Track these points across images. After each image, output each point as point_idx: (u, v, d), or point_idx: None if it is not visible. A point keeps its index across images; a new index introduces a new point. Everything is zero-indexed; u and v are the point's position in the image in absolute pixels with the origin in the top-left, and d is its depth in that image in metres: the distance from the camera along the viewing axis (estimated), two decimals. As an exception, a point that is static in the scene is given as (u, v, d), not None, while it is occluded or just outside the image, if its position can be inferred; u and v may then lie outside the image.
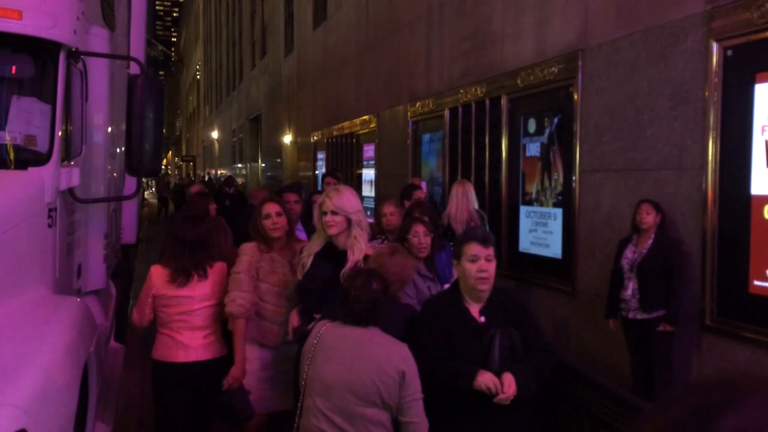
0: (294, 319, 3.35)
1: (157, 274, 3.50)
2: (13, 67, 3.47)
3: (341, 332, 2.59)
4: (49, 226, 3.22)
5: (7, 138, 3.26)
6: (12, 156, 3.24)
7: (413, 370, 2.49)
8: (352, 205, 3.32)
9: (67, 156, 3.47)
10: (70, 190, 3.51)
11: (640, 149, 5.00)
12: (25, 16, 3.24)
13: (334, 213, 3.25)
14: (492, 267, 2.76)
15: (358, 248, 3.27)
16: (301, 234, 4.50)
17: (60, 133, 3.34)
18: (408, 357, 2.51)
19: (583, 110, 5.61)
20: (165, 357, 3.43)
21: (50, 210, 3.22)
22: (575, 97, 5.69)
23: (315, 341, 2.61)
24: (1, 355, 2.42)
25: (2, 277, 2.79)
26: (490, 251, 2.76)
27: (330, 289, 3.09)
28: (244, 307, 3.48)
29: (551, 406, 3.51)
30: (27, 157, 3.24)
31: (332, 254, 3.28)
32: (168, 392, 3.46)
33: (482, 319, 2.77)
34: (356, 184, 11.86)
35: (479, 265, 2.72)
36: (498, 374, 2.62)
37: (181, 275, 3.44)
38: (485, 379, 2.60)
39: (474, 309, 2.80)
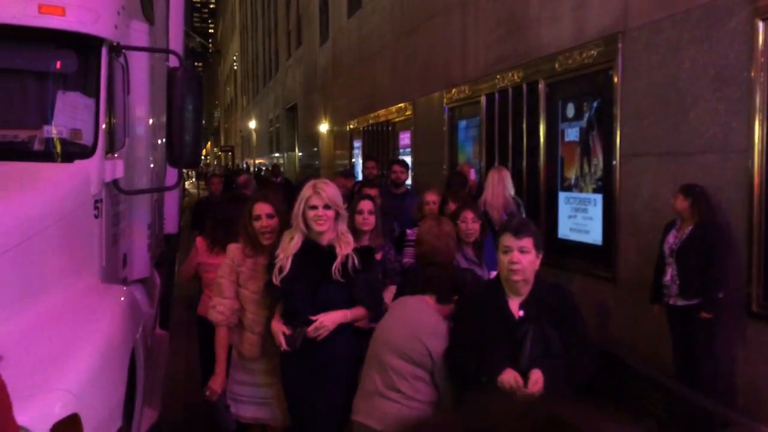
0: (280, 327, 3.06)
1: (200, 244, 4.32)
2: (58, 63, 3.56)
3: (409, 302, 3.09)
4: (96, 217, 3.31)
5: (54, 132, 3.36)
6: (59, 149, 3.33)
7: (439, 350, 2.79)
8: (340, 198, 3.12)
9: (111, 148, 3.56)
10: (115, 182, 3.60)
11: (683, 132, 4.88)
12: (68, 13, 3.32)
13: (327, 207, 3.00)
14: (526, 259, 2.64)
15: (346, 242, 3.09)
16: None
17: (104, 127, 3.43)
18: (440, 334, 2.83)
19: (624, 93, 5.50)
20: (204, 313, 3.88)
21: (96, 201, 3.32)
22: (615, 80, 5.58)
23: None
24: (52, 343, 2.51)
25: (53, 267, 2.89)
26: (524, 242, 2.65)
27: (322, 287, 3.01)
28: (224, 314, 3.32)
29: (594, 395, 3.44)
30: (73, 151, 3.34)
31: (315, 251, 3.05)
32: (207, 344, 3.72)
33: (521, 313, 2.68)
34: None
35: (511, 256, 2.64)
36: (526, 372, 2.54)
37: (216, 246, 4.07)
38: (507, 377, 2.53)
39: (514, 302, 2.71)
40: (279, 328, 3.06)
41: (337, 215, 3.07)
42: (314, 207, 2.99)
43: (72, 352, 2.49)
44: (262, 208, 3.33)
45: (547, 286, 2.75)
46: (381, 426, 2.77)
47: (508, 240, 2.66)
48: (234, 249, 3.38)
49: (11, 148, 3.33)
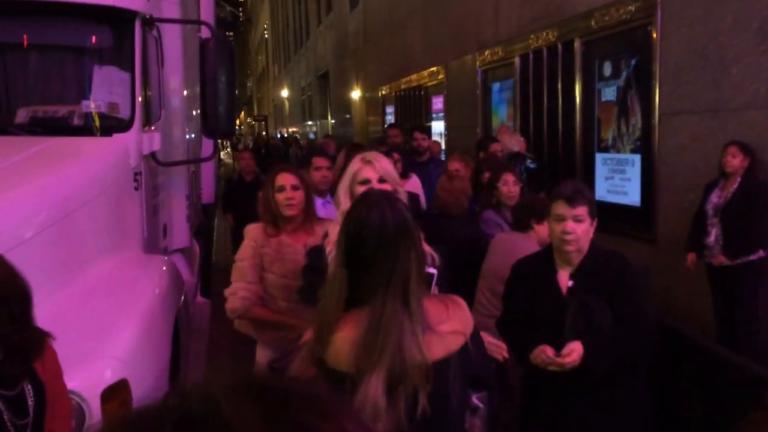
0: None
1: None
2: (93, 37, 3.61)
3: (511, 238, 3.46)
4: (136, 189, 3.39)
5: (92, 107, 3.43)
6: (98, 124, 3.40)
7: None
8: (395, 171, 2.59)
9: (147, 121, 3.61)
10: (153, 154, 3.66)
11: (724, 89, 4.73)
12: (101, -13, 3.35)
13: (383, 181, 2.42)
14: (581, 228, 2.48)
15: None
16: None
17: (140, 100, 3.48)
18: None
19: (663, 50, 5.34)
20: None
21: (136, 174, 3.39)
22: (654, 36, 5.41)
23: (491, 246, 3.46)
24: (99, 312, 2.60)
25: (96, 238, 2.97)
26: (579, 211, 2.48)
27: None
28: (248, 300, 2.88)
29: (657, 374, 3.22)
30: (111, 125, 3.40)
31: None
32: None
33: (570, 283, 2.53)
34: (426, 136, 11.77)
35: (564, 226, 2.47)
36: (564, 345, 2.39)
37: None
38: (535, 354, 2.42)
39: (563, 273, 2.56)
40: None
41: (395, 192, 2.45)
42: (366, 181, 2.42)
43: (118, 320, 2.58)
44: (286, 179, 2.96)
45: (603, 254, 2.58)
46: None
47: (561, 208, 2.49)
48: (255, 229, 3.01)
49: (52, 124, 3.41)
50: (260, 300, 2.92)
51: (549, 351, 2.40)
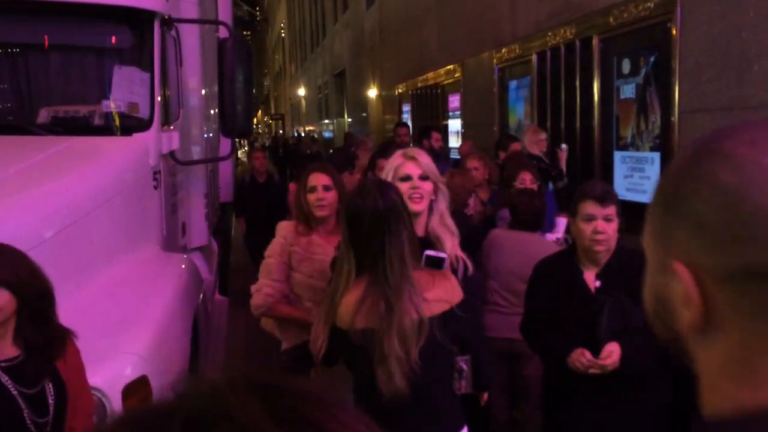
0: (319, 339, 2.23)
1: None
2: (113, 38, 3.65)
3: (512, 235, 3.45)
4: (155, 187, 3.42)
5: (113, 106, 3.46)
6: (118, 123, 3.44)
7: None
8: (435, 168, 2.49)
9: (166, 121, 3.65)
10: (172, 153, 3.70)
11: (746, 86, 4.67)
12: (121, -12, 3.39)
13: (424, 178, 2.34)
14: (611, 228, 2.45)
15: (450, 232, 2.40)
16: None
17: (159, 99, 3.51)
18: None
19: (683, 46, 5.28)
20: None
21: (155, 173, 3.42)
22: (673, 32, 5.35)
23: (489, 243, 3.42)
24: (119, 309, 2.64)
25: (117, 236, 3.01)
26: (609, 210, 2.45)
27: None
28: (272, 297, 2.82)
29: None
30: (131, 124, 3.44)
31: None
32: None
33: (597, 283, 2.48)
34: (442, 135, 11.76)
35: (595, 225, 2.42)
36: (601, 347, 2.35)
37: None
38: (572, 358, 2.35)
39: (589, 273, 2.51)
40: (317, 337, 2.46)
41: (437, 190, 2.42)
42: (408, 177, 2.33)
43: (139, 317, 2.61)
44: (318, 179, 2.90)
45: (626, 253, 2.54)
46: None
47: (591, 208, 2.44)
48: (286, 226, 2.97)
49: (73, 124, 3.45)
50: (285, 298, 2.87)
51: (587, 354, 2.34)
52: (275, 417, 0.45)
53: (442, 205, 2.43)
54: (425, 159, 2.41)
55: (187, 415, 0.46)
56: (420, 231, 2.33)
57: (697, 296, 0.60)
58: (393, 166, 2.41)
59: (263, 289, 2.85)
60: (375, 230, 1.97)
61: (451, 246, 2.36)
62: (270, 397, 0.47)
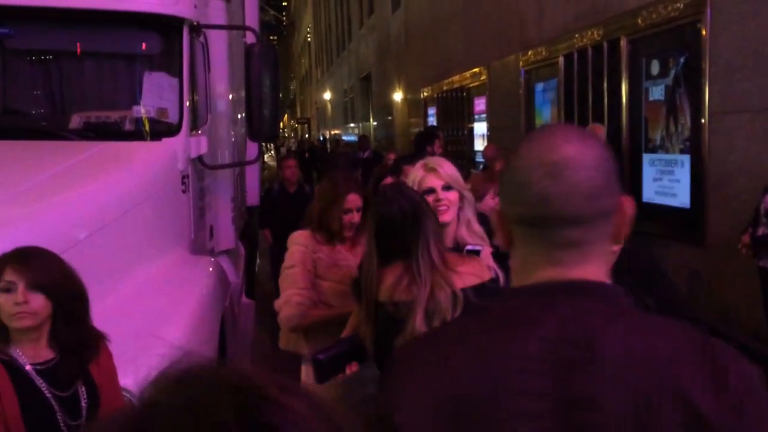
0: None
1: None
2: (143, 44, 3.71)
3: None
4: (183, 192, 3.47)
5: (142, 112, 3.52)
6: (147, 128, 3.49)
7: None
8: (460, 176, 2.47)
9: (195, 125, 3.69)
10: (200, 158, 3.74)
11: (780, 86, 4.58)
12: (151, -5, 3.45)
13: (448, 188, 2.31)
14: None
15: (480, 237, 2.39)
16: None
17: (188, 104, 3.56)
18: None
19: (713, 47, 5.20)
20: None
21: (183, 177, 3.47)
22: (703, 33, 5.27)
23: None
24: (149, 311, 2.67)
25: (146, 240, 3.05)
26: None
27: None
28: (304, 305, 2.68)
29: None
30: (160, 129, 3.49)
31: None
32: None
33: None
34: (468, 138, 11.73)
35: None
36: None
37: None
38: None
39: None
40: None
41: (462, 198, 2.39)
42: (431, 190, 2.31)
43: (168, 319, 2.64)
44: (355, 201, 2.80)
45: (624, 251, 2.56)
46: None
47: None
48: (301, 235, 2.84)
49: (104, 129, 3.52)
50: (315, 305, 2.73)
51: None
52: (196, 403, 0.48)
53: (469, 212, 2.41)
54: (447, 168, 2.38)
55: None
56: (449, 241, 2.32)
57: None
58: (416, 180, 2.39)
59: (292, 299, 2.69)
60: (403, 229, 2.08)
61: (484, 255, 2.33)
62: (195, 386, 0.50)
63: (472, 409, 0.90)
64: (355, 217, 2.80)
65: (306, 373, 2.65)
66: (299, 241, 2.81)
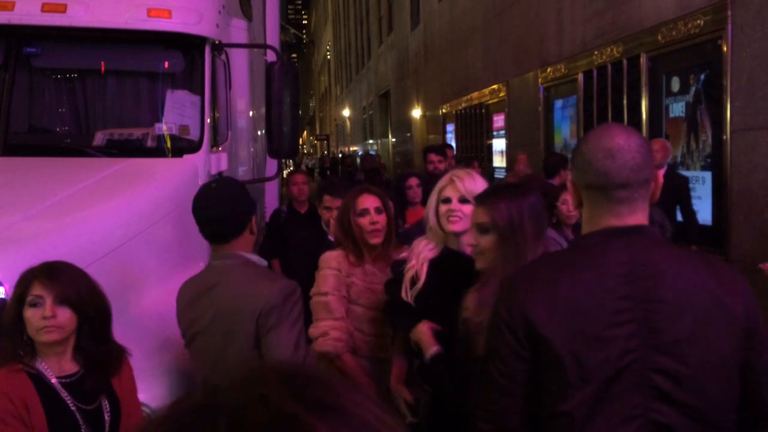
0: (402, 390, 2.33)
1: None
2: (166, 63, 3.78)
3: None
4: (204, 208, 3.50)
5: (165, 129, 3.57)
6: (169, 145, 3.54)
7: None
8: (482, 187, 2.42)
9: (215, 142, 3.74)
10: (220, 174, 3.79)
11: (803, 103, 4.53)
12: (174, 15, 3.51)
13: (463, 201, 2.29)
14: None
15: None
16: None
17: (209, 122, 3.61)
18: None
19: (734, 64, 5.16)
20: None
21: (204, 193, 3.50)
22: (724, 49, 5.24)
23: None
24: (170, 326, 2.69)
25: (167, 255, 3.08)
26: None
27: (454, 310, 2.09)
28: (342, 341, 2.57)
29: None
30: (182, 146, 3.54)
31: (452, 263, 2.32)
32: None
33: None
34: (486, 155, 11.72)
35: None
36: None
37: None
38: None
39: None
40: (400, 392, 2.30)
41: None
42: (448, 200, 2.31)
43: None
44: (369, 201, 2.69)
45: None
46: None
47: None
48: (335, 257, 2.69)
49: (127, 146, 3.57)
50: (352, 336, 2.61)
51: None
52: (303, 402, 0.51)
53: None
54: (466, 182, 2.33)
55: (231, 407, 0.51)
56: (468, 250, 2.27)
57: (575, 194, 1.50)
58: (439, 188, 2.37)
59: (330, 333, 2.55)
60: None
61: None
62: (298, 386, 0.53)
63: (586, 308, 1.35)
64: (375, 218, 2.65)
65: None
66: (332, 264, 2.67)
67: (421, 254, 2.33)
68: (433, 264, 2.32)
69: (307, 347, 2.36)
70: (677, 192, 5.17)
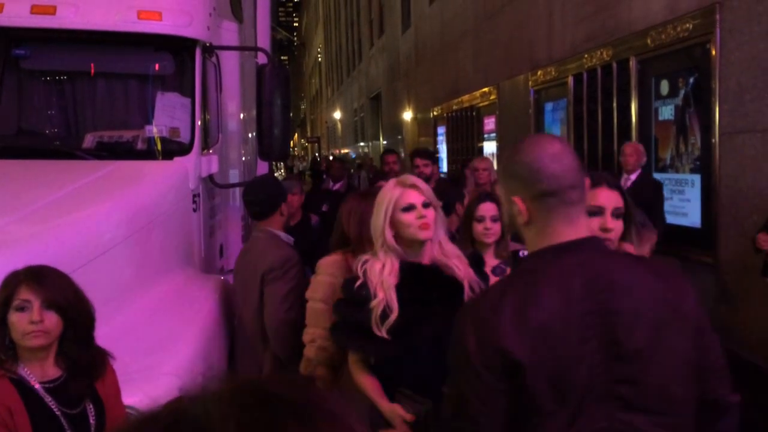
0: (397, 409, 2.08)
1: None
2: (156, 65, 3.77)
3: None
4: (194, 210, 3.49)
5: (155, 131, 3.56)
6: (159, 148, 3.53)
7: None
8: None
9: (206, 145, 3.73)
10: (211, 177, 3.77)
11: (791, 106, 4.57)
12: (165, 17, 3.50)
13: (427, 205, 2.15)
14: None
15: (457, 256, 2.23)
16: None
17: (199, 124, 3.60)
18: None
19: (723, 67, 5.20)
20: None
21: (194, 196, 3.49)
22: (713, 53, 5.28)
23: None
24: (158, 329, 2.68)
25: (157, 258, 3.07)
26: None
27: (446, 335, 1.67)
28: (326, 351, 2.50)
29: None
30: (172, 148, 3.52)
31: (416, 280, 2.15)
32: None
33: None
34: (477, 157, 11.75)
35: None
36: None
37: None
38: None
39: None
40: (396, 412, 2.07)
41: (436, 215, 2.20)
42: (411, 207, 2.13)
43: (176, 338, 2.65)
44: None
45: None
46: None
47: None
48: (332, 263, 2.59)
49: (117, 148, 3.56)
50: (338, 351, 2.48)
51: None
52: (244, 424, 0.50)
53: (441, 232, 2.23)
54: (424, 185, 2.20)
55: (172, 420, 0.51)
56: (426, 259, 2.18)
57: (524, 210, 1.44)
58: (390, 199, 2.15)
59: (317, 342, 2.54)
60: None
61: (464, 271, 2.21)
62: (247, 405, 0.52)
63: (554, 330, 1.34)
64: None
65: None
66: (329, 271, 2.57)
67: (383, 282, 2.10)
68: (400, 289, 2.10)
69: (298, 306, 2.77)
70: (649, 195, 5.28)
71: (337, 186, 7.87)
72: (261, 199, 3.01)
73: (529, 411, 1.33)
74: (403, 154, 17.56)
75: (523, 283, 1.42)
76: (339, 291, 2.34)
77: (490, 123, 11.08)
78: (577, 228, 1.42)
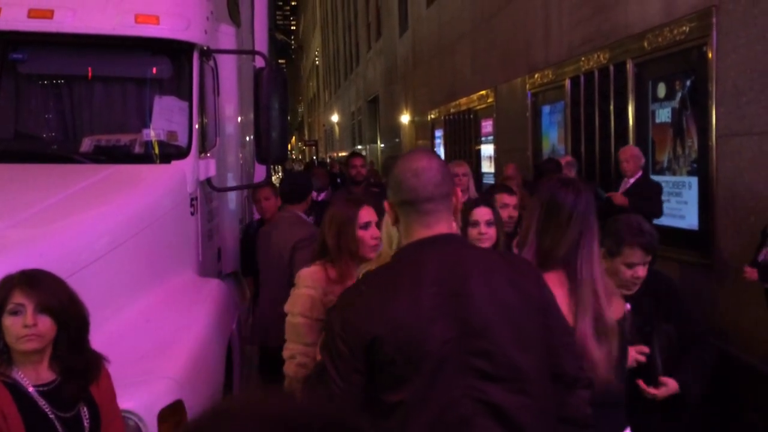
0: None
1: None
2: (153, 69, 3.77)
3: None
4: (192, 214, 3.49)
5: (152, 135, 3.56)
6: (157, 151, 3.53)
7: None
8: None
9: (203, 148, 3.73)
10: (208, 180, 3.77)
11: (787, 109, 4.58)
12: (162, 21, 3.50)
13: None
14: (646, 270, 2.51)
15: None
16: None
17: (197, 128, 3.59)
18: None
19: (719, 70, 5.22)
20: None
21: (192, 199, 3.49)
22: (710, 55, 5.29)
23: None
24: (156, 333, 2.68)
25: (155, 261, 3.07)
26: (650, 257, 2.53)
27: None
28: (305, 367, 2.38)
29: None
30: (170, 152, 3.52)
31: None
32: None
33: (627, 306, 2.47)
34: (475, 160, 11.76)
35: (636, 271, 2.48)
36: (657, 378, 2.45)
37: None
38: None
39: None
40: None
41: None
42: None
43: (175, 342, 2.64)
44: (370, 214, 2.56)
45: (650, 273, 2.57)
46: None
47: (637, 256, 2.47)
48: (313, 273, 2.52)
49: (114, 152, 3.55)
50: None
51: (641, 384, 2.44)
52: None
53: None
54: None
55: None
56: None
57: (391, 212, 1.70)
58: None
59: (297, 358, 2.46)
60: (575, 218, 2.03)
61: None
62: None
63: (408, 309, 1.53)
64: (375, 232, 2.51)
65: None
66: (308, 284, 2.49)
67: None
68: None
69: None
70: (648, 198, 5.36)
71: (322, 196, 7.08)
72: (290, 188, 3.85)
73: (387, 381, 1.52)
74: (400, 157, 17.49)
75: (385, 272, 1.69)
76: (320, 303, 2.42)
77: (487, 126, 11.09)
78: (434, 230, 1.63)
